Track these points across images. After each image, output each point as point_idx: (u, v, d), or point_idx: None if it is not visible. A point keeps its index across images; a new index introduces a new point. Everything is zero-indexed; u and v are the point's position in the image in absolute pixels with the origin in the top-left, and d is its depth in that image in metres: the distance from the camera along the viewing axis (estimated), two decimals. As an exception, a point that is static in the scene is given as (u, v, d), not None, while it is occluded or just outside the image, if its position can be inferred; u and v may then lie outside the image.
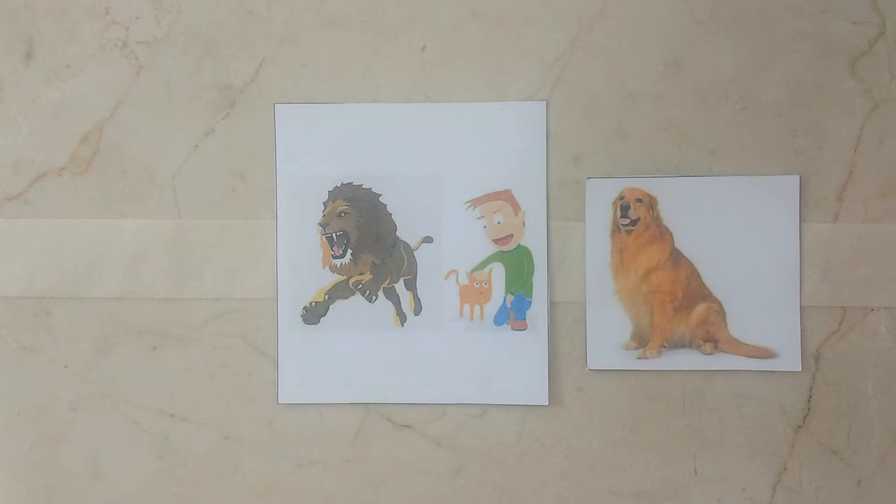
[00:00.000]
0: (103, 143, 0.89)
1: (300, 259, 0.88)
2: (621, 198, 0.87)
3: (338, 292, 0.89)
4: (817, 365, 0.87)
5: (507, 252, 0.88)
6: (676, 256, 0.87)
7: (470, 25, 0.87)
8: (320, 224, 0.88)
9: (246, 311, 0.89)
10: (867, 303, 0.86)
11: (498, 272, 0.88)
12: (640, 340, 0.87)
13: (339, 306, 0.89)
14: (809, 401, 0.87)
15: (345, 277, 0.89)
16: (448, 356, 0.88)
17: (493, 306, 0.88)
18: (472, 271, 0.88)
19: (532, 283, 0.88)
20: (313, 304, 0.88)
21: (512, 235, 0.88)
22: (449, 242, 0.88)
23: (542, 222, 0.88)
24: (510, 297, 0.88)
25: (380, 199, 0.88)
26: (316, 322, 0.88)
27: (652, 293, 0.87)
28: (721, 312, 0.86)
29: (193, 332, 0.89)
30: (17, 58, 0.89)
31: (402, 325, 0.88)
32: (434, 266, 0.88)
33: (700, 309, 0.87)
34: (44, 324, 0.90)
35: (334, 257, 0.88)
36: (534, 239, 0.88)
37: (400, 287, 0.89)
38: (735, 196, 0.86)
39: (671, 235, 0.87)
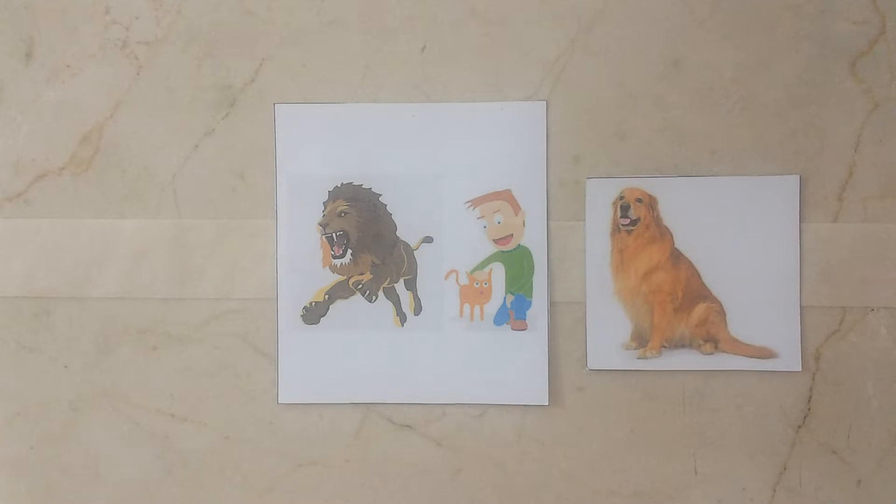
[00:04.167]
0: (103, 143, 0.89)
1: (300, 259, 0.88)
2: (621, 198, 0.87)
3: (338, 292, 0.89)
4: (817, 365, 0.87)
5: (507, 252, 0.88)
6: (676, 256, 0.87)
7: (470, 25, 0.87)
8: (320, 224, 0.88)
9: (246, 311, 0.89)
10: (867, 303, 0.86)
11: (498, 272, 0.88)
12: (640, 340, 0.87)
13: (339, 306, 0.89)
14: (809, 401, 0.87)
15: (345, 277, 0.89)
16: (448, 356, 0.88)
17: (493, 306, 0.88)
18: (472, 271, 0.88)
19: (532, 283, 0.88)
20: (313, 304, 0.88)
21: (512, 235, 0.88)
22: (449, 242, 0.88)
23: (542, 222, 0.88)
24: (510, 297, 0.88)
25: (380, 199, 0.88)
26: (316, 322, 0.88)
27: (652, 293, 0.87)
28: (721, 312, 0.86)
29: (193, 332, 0.89)
30: (17, 58, 0.89)
31: (402, 325, 0.88)
32: (434, 266, 0.88)
33: (700, 309, 0.87)
34: (44, 324, 0.90)
35: (334, 257, 0.88)
36: (534, 239, 0.88)
37: (400, 287, 0.89)
38: (735, 196, 0.86)
39: (671, 235, 0.87)
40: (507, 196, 0.88)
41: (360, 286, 0.89)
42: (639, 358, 0.87)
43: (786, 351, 0.86)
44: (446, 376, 0.88)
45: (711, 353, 0.87)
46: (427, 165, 0.88)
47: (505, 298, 0.88)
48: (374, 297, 0.89)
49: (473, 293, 0.88)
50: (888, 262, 0.86)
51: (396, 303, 0.89)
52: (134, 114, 0.89)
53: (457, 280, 0.88)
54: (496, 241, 0.88)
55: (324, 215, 0.88)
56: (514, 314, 0.88)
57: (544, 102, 0.87)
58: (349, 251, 0.88)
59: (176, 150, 0.89)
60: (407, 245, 0.88)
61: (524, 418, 0.88)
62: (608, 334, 0.87)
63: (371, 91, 0.88)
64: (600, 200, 0.87)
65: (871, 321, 0.86)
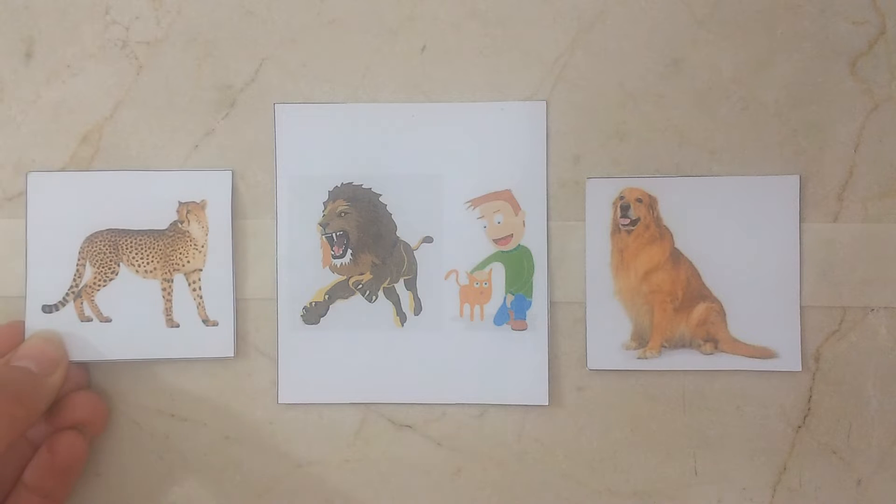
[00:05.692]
0: (103, 143, 0.89)
1: (300, 259, 0.88)
2: (621, 198, 0.87)
3: (338, 292, 0.89)
4: (817, 365, 0.87)
5: (507, 252, 0.88)
6: (676, 256, 0.87)
7: (470, 25, 0.87)
8: (320, 224, 0.88)
9: (246, 311, 0.89)
10: (867, 303, 0.86)
11: (498, 272, 0.88)
12: (640, 340, 0.87)
13: (339, 306, 0.89)
14: (809, 401, 0.87)
15: (345, 277, 0.89)
16: (448, 356, 0.88)
17: (493, 306, 0.88)
18: (472, 271, 0.88)
19: (532, 283, 0.88)
20: (313, 304, 0.88)
21: (512, 235, 0.88)
22: (449, 242, 0.88)
23: (542, 222, 0.88)
24: (510, 297, 0.88)
25: (380, 199, 0.88)
26: (316, 322, 0.88)
27: (652, 293, 0.87)
28: (721, 312, 0.86)
29: (193, 332, 0.89)
30: (17, 58, 0.89)
31: (402, 326, 0.88)
32: (434, 266, 0.88)
33: (700, 309, 0.87)
34: (44, 324, 0.89)
35: (334, 257, 0.88)
36: (534, 239, 0.88)
37: (400, 287, 0.89)
38: (735, 196, 0.86)
39: (671, 235, 0.87)
40: (507, 196, 0.88)
41: (360, 286, 0.89)
42: (639, 358, 0.87)
43: (786, 351, 0.86)
44: (446, 376, 0.88)
45: (711, 353, 0.87)
46: (427, 165, 0.88)
47: (505, 298, 0.88)
48: (374, 297, 0.89)
49: (473, 293, 0.88)
50: (888, 262, 0.86)
51: (396, 303, 0.89)
52: (134, 114, 0.89)
53: (457, 280, 0.88)
54: (496, 241, 0.88)
55: (324, 215, 0.88)
56: (514, 314, 0.88)
57: (544, 102, 0.87)
58: (349, 251, 0.88)
59: (176, 150, 0.89)
60: (407, 245, 0.88)
61: (524, 418, 0.88)
62: (608, 334, 0.87)
63: (371, 91, 0.88)
64: (600, 200, 0.87)
65: (871, 321, 0.86)
